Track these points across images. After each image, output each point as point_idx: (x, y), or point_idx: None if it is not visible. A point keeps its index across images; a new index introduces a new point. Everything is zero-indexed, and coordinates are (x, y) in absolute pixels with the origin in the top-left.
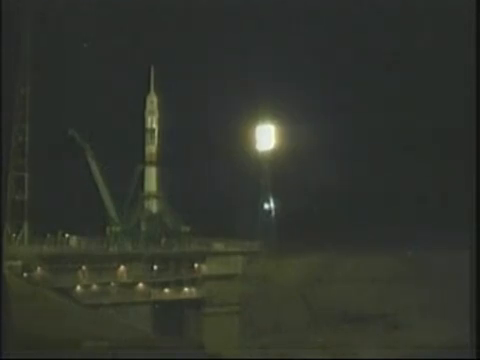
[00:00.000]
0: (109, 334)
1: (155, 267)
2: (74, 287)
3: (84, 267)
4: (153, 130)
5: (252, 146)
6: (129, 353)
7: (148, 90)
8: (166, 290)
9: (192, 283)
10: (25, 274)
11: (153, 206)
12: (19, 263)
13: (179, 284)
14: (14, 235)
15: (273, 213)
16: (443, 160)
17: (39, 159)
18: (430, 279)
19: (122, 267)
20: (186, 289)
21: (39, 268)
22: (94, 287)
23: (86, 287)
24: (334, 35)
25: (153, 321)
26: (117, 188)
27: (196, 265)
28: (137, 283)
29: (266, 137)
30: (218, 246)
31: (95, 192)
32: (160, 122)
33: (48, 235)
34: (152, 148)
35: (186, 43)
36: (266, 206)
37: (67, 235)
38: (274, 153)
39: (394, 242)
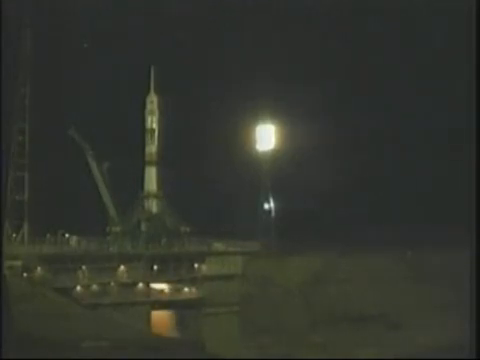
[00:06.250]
0: (109, 334)
1: (155, 267)
2: (74, 287)
3: (84, 267)
4: (153, 130)
5: (252, 146)
6: (129, 353)
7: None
8: (166, 290)
9: (192, 283)
10: (25, 274)
11: (153, 206)
12: (19, 263)
13: (179, 284)
14: (14, 235)
15: (273, 213)
16: (443, 160)
17: (39, 159)
18: (429, 279)
19: (122, 267)
20: (186, 289)
21: (39, 268)
22: (94, 287)
23: (86, 287)
24: (335, 34)
25: (153, 321)
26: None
27: (196, 265)
28: (137, 283)
29: (266, 137)
30: (218, 246)
31: (95, 192)
32: (160, 122)
33: (48, 235)
34: (152, 148)
35: (186, 43)
36: (266, 206)
37: (67, 235)
38: (274, 153)
39: (394, 242)
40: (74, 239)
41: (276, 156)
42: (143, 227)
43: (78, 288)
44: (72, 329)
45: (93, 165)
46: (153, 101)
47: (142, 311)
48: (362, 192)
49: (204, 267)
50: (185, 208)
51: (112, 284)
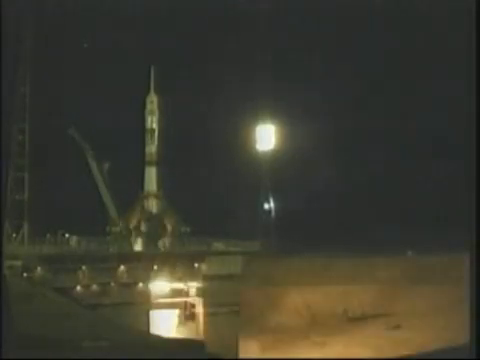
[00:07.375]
0: (109, 334)
1: (155, 267)
2: (74, 287)
3: (84, 267)
4: (153, 130)
5: (252, 146)
6: (129, 353)
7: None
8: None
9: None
10: (25, 274)
11: (153, 206)
12: (19, 263)
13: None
14: (14, 235)
15: (273, 213)
16: (443, 160)
17: (39, 159)
18: (429, 279)
19: (122, 267)
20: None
21: (39, 268)
22: (94, 287)
23: (86, 287)
24: (335, 34)
25: (153, 321)
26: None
27: (196, 265)
28: (137, 283)
29: (266, 137)
30: (218, 246)
31: (95, 192)
32: (160, 122)
33: (48, 235)
34: (152, 148)
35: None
36: (266, 206)
37: (67, 235)
38: (274, 153)
39: (394, 242)
40: (74, 239)
41: (276, 156)
42: (143, 227)
43: (78, 288)
44: (72, 329)
45: (93, 165)
46: (153, 101)
47: (142, 311)
48: (362, 192)
49: (204, 267)
50: (185, 208)
51: (112, 284)
